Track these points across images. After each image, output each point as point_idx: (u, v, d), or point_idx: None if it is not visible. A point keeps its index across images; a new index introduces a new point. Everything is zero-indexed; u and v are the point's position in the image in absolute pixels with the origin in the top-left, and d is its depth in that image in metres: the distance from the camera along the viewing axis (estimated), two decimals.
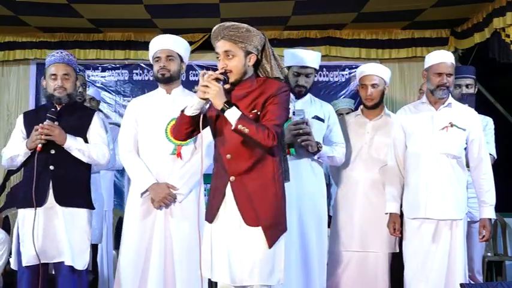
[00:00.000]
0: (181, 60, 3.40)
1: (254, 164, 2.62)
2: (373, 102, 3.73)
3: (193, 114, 2.61)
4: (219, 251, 2.62)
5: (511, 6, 4.62)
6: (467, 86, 3.84)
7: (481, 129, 3.49)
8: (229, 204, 2.63)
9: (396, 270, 3.68)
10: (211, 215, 2.70)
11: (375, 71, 3.75)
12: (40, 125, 3.16)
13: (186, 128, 2.69)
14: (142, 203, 3.25)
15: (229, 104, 2.52)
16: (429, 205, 3.33)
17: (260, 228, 2.58)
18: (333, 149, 3.46)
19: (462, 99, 3.67)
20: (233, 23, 2.65)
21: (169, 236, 3.20)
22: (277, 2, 5.14)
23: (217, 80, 2.55)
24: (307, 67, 3.48)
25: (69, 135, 3.22)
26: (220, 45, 2.64)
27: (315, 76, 3.66)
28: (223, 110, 2.52)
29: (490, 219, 3.41)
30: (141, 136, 3.33)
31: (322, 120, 3.50)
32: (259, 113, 2.60)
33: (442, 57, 3.46)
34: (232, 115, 2.51)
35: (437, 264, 3.30)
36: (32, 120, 3.30)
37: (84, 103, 4.28)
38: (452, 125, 3.39)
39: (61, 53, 3.38)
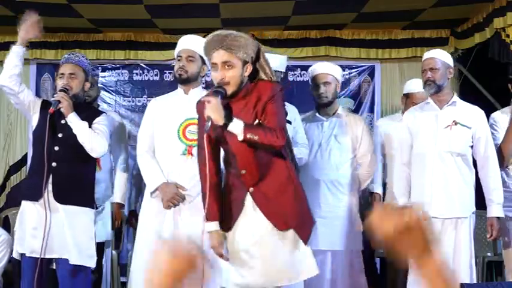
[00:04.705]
0: (203, 62, 3.35)
1: (267, 171, 2.64)
2: (326, 100, 3.77)
3: None
4: (244, 258, 2.64)
5: (511, 6, 4.61)
6: None
7: (487, 127, 3.47)
8: (250, 213, 2.65)
9: (393, 270, 3.67)
10: (228, 224, 2.71)
11: (325, 69, 3.78)
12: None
13: None
14: (155, 203, 3.25)
15: (229, 117, 2.50)
16: (434, 204, 3.32)
17: (292, 230, 2.63)
18: (300, 151, 3.51)
19: None
20: (230, 31, 2.62)
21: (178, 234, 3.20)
22: (277, 2, 5.14)
23: (215, 93, 2.53)
24: (275, 71, 3.48)
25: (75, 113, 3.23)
26: (218, 56, 2.58)
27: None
28: (226, 125, 2.50)
29: (499, 217, 3.38)
30: (156, 136, 3.34)
31: (289, 122, 3.55)
32: (261, 121, 2.60)
33: (428, 54, 3.50)
34: (237, 127, 2.50)
35: None
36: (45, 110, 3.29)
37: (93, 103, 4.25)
38: (456, 123, 3.39)
39: (72, 54, 3.45)
